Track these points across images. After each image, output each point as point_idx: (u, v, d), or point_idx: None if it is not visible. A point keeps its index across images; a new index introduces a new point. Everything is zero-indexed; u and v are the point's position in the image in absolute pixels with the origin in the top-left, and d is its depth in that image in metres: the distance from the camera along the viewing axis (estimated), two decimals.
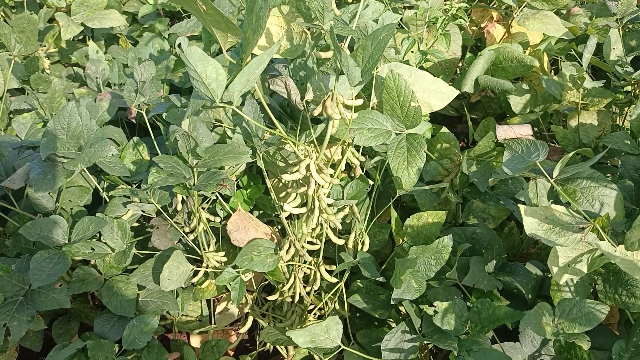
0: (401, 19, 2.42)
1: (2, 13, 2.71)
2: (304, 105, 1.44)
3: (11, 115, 2.18)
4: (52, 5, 2.70)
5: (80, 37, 2.98)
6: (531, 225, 1.29)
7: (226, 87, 1.17)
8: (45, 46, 2.67)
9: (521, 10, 2.29)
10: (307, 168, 1.33)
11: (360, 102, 1.39)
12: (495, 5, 2.62)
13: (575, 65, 2.05)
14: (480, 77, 2.09)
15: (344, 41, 1.40)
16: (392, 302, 1.45)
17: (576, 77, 1.86)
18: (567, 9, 2.65)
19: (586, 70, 1.94)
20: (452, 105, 2.64)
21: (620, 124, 2.14)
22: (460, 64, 2.54)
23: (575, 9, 2.67)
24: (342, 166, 1.53)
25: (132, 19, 2.90)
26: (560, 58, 2.50)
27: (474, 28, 2.65)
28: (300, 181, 1.46)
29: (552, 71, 2.52)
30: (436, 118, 2.62)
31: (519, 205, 1.31)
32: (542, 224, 1.29)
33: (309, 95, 1.44)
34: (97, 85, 2.04)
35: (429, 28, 2.30)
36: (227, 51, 1.20)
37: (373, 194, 1.67)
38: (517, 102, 2.13)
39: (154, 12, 2.60)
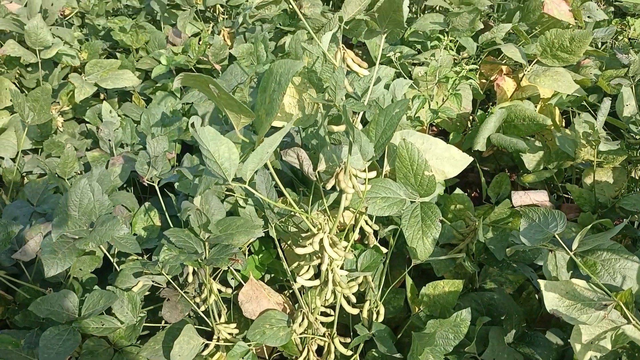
0: (411, 76, 2.43)
1: (17, 72, 2.74)
2: (316, 176, 1.43)
3: (24, 174, 2.19)
4: (67, 64, 2.74)
5: (94, 93, 3.02)
6: (552, 301, 1.26)
7: (239, 166, 1.17)
8: (59, 104, 2.69)
9: (531, 67, 2.29)
10: (321, 242, 1.31)
11: (373, 174, 1.37)
12: (505, 60, 2.63)
13: (589, 122, 2.03)
14: (493, 135, 2.07)
15: (357, 115, 1.39)
16: None
17: (591, 138, 1.85)
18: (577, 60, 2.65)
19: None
20: None
21: (638, 179, 2.11)
22: (471, 117, 2.54)
23: (585, 61, 2.67)
24: (356, 236, 1.51)
25: (146, 76, 2.93)
26: (572, 109, 2.49)
27: (484, 81, 2.66)
28: (313, 254, 1.44)
29: (564, 121, 2.51)
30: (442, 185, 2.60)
31: (539, 280, 1.27)
32: (563, 299, 1.26)
33: (322, 167, 1.43)
34: (110, 148, 2.05)
35: (438, 85, 2.31)
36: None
37: (387, 259, 1.64)
38: (530, 160, 2.11)
39: (167, 72, 2.62)
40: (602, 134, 1.82)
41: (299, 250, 1.33)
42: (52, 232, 1.30)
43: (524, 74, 2.32)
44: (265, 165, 1.55)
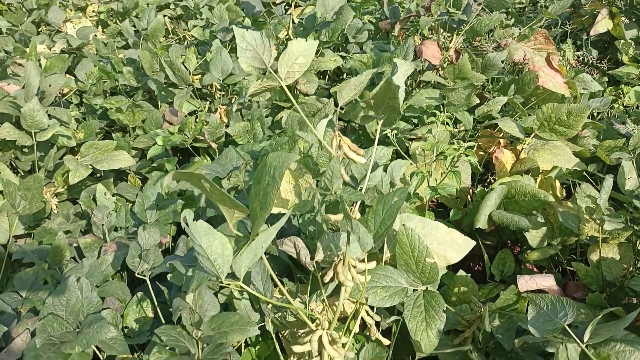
0: (408, 152, 2.41)
1: (12, 154, 2.73)
2: (314, 266, 1.38)
3: (14, 263, 2.14)
4: (63, 145, 2.73)
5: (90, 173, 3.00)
6: None
7: (232, 261, 1.12)
8: (54, 184, 2.67)
9: (530, 142, 2.28)
10: (319, 340, 1.24)
11: (373, 265, 1.32)
12: (501, 135, 2.62)
13: (591, 197, 2.00)
14: (494, 213, 2.03)
15: (355, 204, 1.36)
16: None
17: (595, 216, 1.81)
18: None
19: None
20: (464, 230, 2.58)
21: None
22: (470, 191, 2.51)
23: (582, 132, 2.66)
24: (357, 328, 1.45)
25: (142, 154, 2.92)
26: (572, 180, 2.46)
27: (482, 153, 2.64)
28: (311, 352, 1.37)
29: (565, 191, 2.48)
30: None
31: None
32: None
33: (319, 256, 1.38)
34: (103, 233, 2.00)
35: (437, 160, 2.29)
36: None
37: (390, 351, 1.57)
38: (534, 237, 2.07)
39: (164, 151, 2.61)
40: (606, 213, 1.78)
41: (297, 348, 1.27)
42: (37, 337, 1.24)
43: (523, 148, 2.31)
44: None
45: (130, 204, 2.36)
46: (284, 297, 1.42)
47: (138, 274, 1.47)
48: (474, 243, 1.51)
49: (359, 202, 1.36)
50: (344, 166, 1.37)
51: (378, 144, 1.68)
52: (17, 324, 1.57)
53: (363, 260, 1.32)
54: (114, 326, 1.36)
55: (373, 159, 1.37)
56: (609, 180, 1.75)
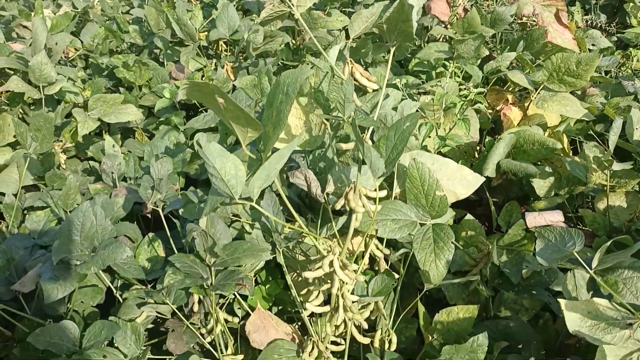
0: None
1: (20, 110, 2.74)
2: (324, 198, 1.39)
3: (25, 212, 2.15)
4: (70, 101, 2.73)
5: (97, 130, 3.01)
6: (574, 322, 1.20)
7: (246, 183, 1.13)
8: (62, 141, 2.68)
9: (538, 93, 2.27)
10: (331, 265, 1.26)
11: (384, 193, 1.33)
12: (510, 89, 2.61)
13: (598, 146, 2.00)
14: (502, 161, 2.04)
15: (366, 132, 1.36)
16: None
17: (603, 159, 1.81)
18: (582, 90, 2.64)
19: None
20: None
21: None
22: (478, 148, 2.51)
23: (591, 90, 2.66)
24: (366, 260, 1.46)
25: (149, 112, 2.92)
26: (579, 139, 2.47)
27: (490, 111, 2.64)
28: (323, 278, 1.39)
29: (572, 151, 2.48)
30: (455, 202, 2.56)
31: (559, 299, 1.22)
32: (585, 319, 1.20)
33: (330, 188, 1.39)
34: (113, 180, 2.01)
35: (445, 113, 2.29)
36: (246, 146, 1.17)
37: (398, 287, 1.58)
38: (541, 186, 2.07)
39: (170, 106, 2.61)
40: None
41: (308, 274, 1.28)
42: (53, 256, 1.26)
43: (531, 101, 2.31)
44: (272, 189, 1.51)
45: (140, 160, 2.37)
46: (295, 230, 1.44)
47: (151, 204, 1.48)
48: (483, 179, 1.52)
49: (369, 132, 1.37)
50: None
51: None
52: (30, 260, 1.59)
53: (374, 191, 1.33)
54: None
55: (384, 92, 1.37)
56: (618, 122, 1.76)
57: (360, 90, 1.38)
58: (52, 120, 1.83)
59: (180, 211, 1.51)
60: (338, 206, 1.30)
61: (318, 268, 1.27)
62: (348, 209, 1.29)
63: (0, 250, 1.35)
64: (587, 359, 1.52)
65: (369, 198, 1.33)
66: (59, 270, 1.26)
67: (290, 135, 1.49)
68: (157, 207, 1.51)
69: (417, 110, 1.99)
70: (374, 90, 1.36)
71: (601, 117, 2.55)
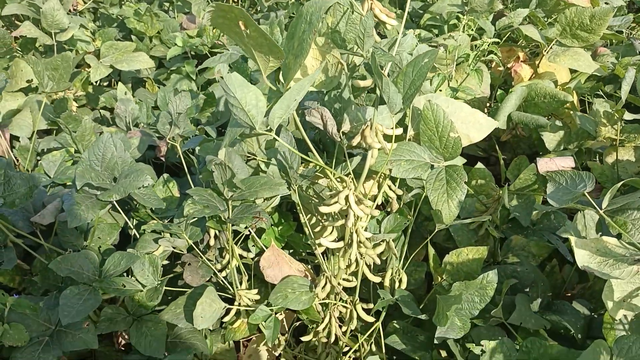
0: None
1: (32, 56, 2.74)
2: (340, 137, 1.41)
3: (38, 158, 2.18)
4: (81, 50, 2.74)
5: (107, 83, 3.02)
6: (583, 258, 1.23)
7: (266, 114, 1.15)
8: (73, 90, 2.69)
9: (550, 48, 2.27)
10: (346, 199, 1.29)
11: (400, 131, 1.35)
12: (522, 45, 2.61)
13: (608, 101, 2.01)
14: (513, 113, 2.05)
15: (384, 69, 1.37)
16: (435, 342, 1.37)
17: (613, 110, 1.82)
18: (593, 49, 2.64)
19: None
20: (479, 145, 2.60)
21: None
22: (488, 104, 2.52)
23: (601, 49, 2.65)
24: (379, 200, 1.49)
25: (159, 64, 2.93)
26: (588, 99, 2.47)
27: (500, 68, 2.64)
28: (337, 214, 1.42)
29: (580, 110, 2.49)
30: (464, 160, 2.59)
31: (569, 237, 1.25)
32: (594, 256, 1.23)
33: (346, 127, 1.41)
34: (127, 124, 2.03)
35: (457, 67, 2.29)
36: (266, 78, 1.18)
37: (407, 233, 1.61)
38: (550, 139, 2.09)
39: (182, 55, 2.61)
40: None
41: (324, 209, 1.31)
42: (76, 181, 1.28)
43: (542, 57, 2.31)
44: (287, 128, 1.53)
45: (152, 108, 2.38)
46: (310, 168, 1.46)
47: (169, 139, 1.50)
48: (496, 123, 1.54)
49: (387, 70, 1.38)
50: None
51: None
52: (48, 196, 1.62)
53: (390, 130, 1.34)
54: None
55: (402, 30, 1.38)
56: (630, 72, 1.76)
57: (378, 28, 1.39)
58: (70, 59, 1.85)
59: (197, 149, 1.53)
60: (354, 142, 1.31)
61: (334, 202, 1.30)
62: (364, 144, 1.31)
63: (23, 177, 1.37)
64: (593, 302, 1.56)
65: (385, 136, 1.35)
66: (81, 197, 1.29)
67: (306, 75, 1.50)
68: (175, 141, 1.53)
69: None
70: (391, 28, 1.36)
71: (611, 78, 2.56)
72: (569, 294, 1.72)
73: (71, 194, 1.30)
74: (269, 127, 1.15)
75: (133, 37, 2.92)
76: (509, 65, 2.57)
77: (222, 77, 1.11)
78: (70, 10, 3.42)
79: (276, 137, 1.17)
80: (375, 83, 1.24)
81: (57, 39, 2.51)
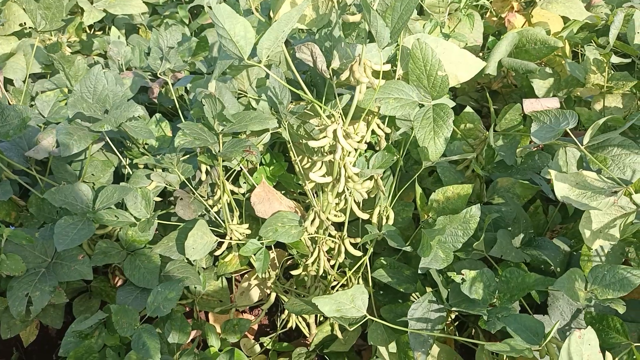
0: (422, 6, 2.41)
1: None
2: (329, 74, 1.43)
3: (33, 101, 2.19)
4: None
5: (100, 30, 3.00)
6: (562, 190, 1.27)
7: (255, 45, 1.17)
8: (66, 35, 2.68)
9: None
10: (335, 133, 1.32)
11: (388, 67, 1.37)
12: None
13: (599, 49, 2.03)
14: (504, 59, 2.07)
15: (373, 4, 1.39)
16: (419, 272, 1.42)
17: (602, 54, 1.84)
18: (587, 1, 2.64)
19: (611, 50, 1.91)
20: (472, 96, 2.63)
21: None
22: (481, 53, 2.53)
23: (596, 0, 2.65)
24: (367, 138, 1.52)
25: (153, 10, 2.91)
26: (580, 50, 2.48)
27: (494, 19, 2.65)
28: (326, 150, 1.45)
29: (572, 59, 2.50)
30: (454, 109, 2.61)
31: (549, 170, 1.29)
32: (573, 189, 1.27)
33: (336, 63, 1.43)
34: (120, 66, 2.04)
35: (450, 15, 2.30)
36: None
37: (396, 173, 1.65)
38: (540, 86, 2.11)
39: (175, 1, 2.61)
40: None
41: (313, 143, 1.34)
42: (68, 111, 1.31)
43: (536, 3, 2.31)
44: (278, 66, 1.55)
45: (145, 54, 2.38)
46: (300, 105, 1.49)
47: (161, 74, 1.52)
48: (484, 64, 1.56)
49: (376, 4, 1.39)
50: None
51: None
52: (42, 131, 1.64)
53: (378, 66, 1.36)
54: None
55: None
56: (619, 15, 1.78)
57: None
58: None
59: (189, 86, 1.55)
60: (343, 77, 1.34)
61: (323, 137, 1.33)
62: (352, 80, 1.33)
63: (17, 109, 1.40)
64: (573, 239, 1.61)
65: (373, 72, 1.37)
66: (73, 127, 1.32)
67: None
68: (166, 76, 1.55)
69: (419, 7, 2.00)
70: None
71: (604, 29, 2.56)
72: (552, 233, 1.78)
73: (64, 125, 1.33)
74: (258, 59, 1.18)
75: None
76: (502, 15, 2.58)
77: (210, 8, 1.13)
78: None
79: (264, 68, 1.19)
80: (364, 18, 1.26)
81: None
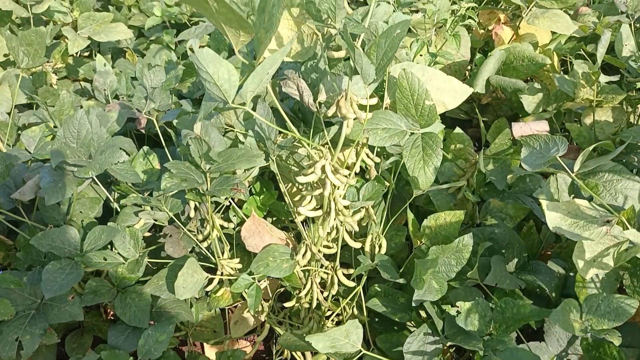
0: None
1: (8, 30, 2.70)
2: (316, 107, 1.42)
3: (19, 132, 2.17)
4: (59, 21, 2.70)
5: (87, 53, 2.98)
6: (554, 220, 1.26)
7: (239, 88, 1.15)
8: (52, 62, 2.66)
9: (530, 10, 2.27)
10: (323, 169, 1.30)
11: (374, 101, 1.36)
12: (502, 7, 2.60)
13: (587, 62, 2.02)
14: (492, 77, 2.06)
15: (357, 40, 1.38)
16: (413, 304, 1.41)
17: (590, 72, 1.83)
18: (574, 9, 2.63)
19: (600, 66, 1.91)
20: (462, 108, 2.62)
21: (635, 121, 2.11)
22: (469, 67, 2.52)
23: (583, 9, 2.65)
24: (357, 168, 1.51)
25: (139, 33, 2.90)
26: (570, 59, 2.48)
27: (482, 31, 2.64)
28: (316, 183, 1.44)
29: (562, 72, 2.50)
30: (445, 122, 2.59)
31: (540, 200, 1.28)
32: (565, 218, 1.26)
33: (322, 97, 1.41)
34: (106, 97, 2.03)
35: (437, 31, 2.29)
36: (238, 52, 1.18)
37: (388, 198, 1.64)
38: (529, 102, 2.11)
39: (161, 25, 2.59)
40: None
41: (301, 179, 1.33)
42: (51, 159, 1.29)
43: (522, 17, 2.31)
44: (265, 99, 1.54)
45: (132, 79, 2.37)
46: (288, 138, 1.47)
47: (145, 114, 1.51)
48: (471, 90, 1.54)
49: (360, 40, 1.38)
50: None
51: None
52: (28, 171, 1.62)
53: (365, 99, 1.35)
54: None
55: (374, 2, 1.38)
56: (606, 34, 1.77)
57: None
58: (44, 35, 1.83)
59: (175, 122, 1.53)
60: (330, 113, 1.32)
61: (311, 172, 1.32)
62: (339, 116, 1.32)
63: (0, 156, 1.38)
64: (567, 261, 1.60)
65: (360, 106, 1.36)
66: (57, 175, 1.30)
67: (282, 46, 1.50)
68: (152, 116, 1.53)
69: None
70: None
71: (592, 37, 2.56)
72: (547, 253, 1.77)
73: (48, 170, 1.31)
74: (242, 102, 1.16)
75: (111, 6, 2.88)
76: (489, 28, 2.57)
77: (193, 52, 1.11)
78: None
79: (250, 111, 1.17)
80: (349, 54, 1.25)
81: (33, 11, 2.48)
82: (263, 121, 1.20)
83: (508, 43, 2.48)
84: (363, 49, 1.52)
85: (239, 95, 1.16)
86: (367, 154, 1.54)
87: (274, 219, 1.81)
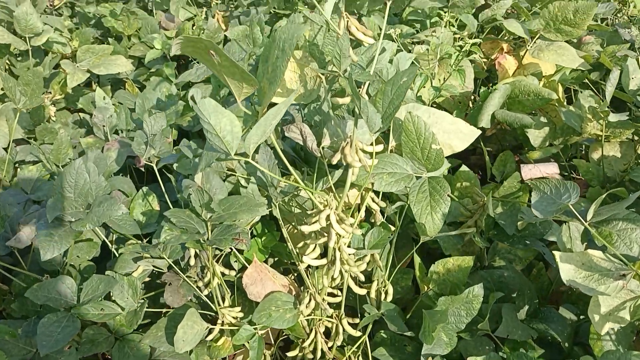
0: None
1: (7, 62, 2.68)
2: (320, 152, 1.38)
3: (17, 166, 2.13)
4: (58, 52, 2.68)
5: (86, 82, 2.96)
6: (568, 273, 1.21)
7: (241, 139, 1.12)
8: (50, 93, 2.63)
9: (534, 42, 2.24)
10: (327, 219, 1.26)
11: (380, 147, 1.32)
12: (505, 38, 2.58)
13: (594, 96, 1.99)
14: (497, 112, 2.02)
15: (362, 86, 1.34)
16: (422, 359, 1.36)
17: (599, 110, 1.80)
18: (578, 38, 2.61)
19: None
20: None
21: None
22: (472, 97, 2.49)
23: (586, 38, 2.63)
24: (362, 213, 1.46)
25: (139, 63, 2.87)
26: (574, 88, 2.45)
27: (484, 60, 2.61)
28: (319, 231, 1.39)
29: (566, 100, 2.47)
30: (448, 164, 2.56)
31: (554, 252, 1.23)
32: (579, 270, 1.22)
33: (326, 142, 1.38)
34: (105, 134, 1.99)
35: (440, 63, 2.26)
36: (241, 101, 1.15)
37: (393, 241, 1.59)
38: (536, 136, 2.07)
39: (161, 56, 2.56)
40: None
41: (305, 228, 1.29)
42: (47, 214, 1.25)
43: (527, 50, 2.28)
44: (267, 142, 1.50)
45: (131, 111, 2.33)
46: (291, 184, 1.43)
47: (145, 160, 1.47)
48: (479, 132, 1.51)
49: (366, 86, 1.35)
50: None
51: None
52: (24, 216, 1.58)
53: (370, 145, 1.32)
54: None
55: (380, 46, 1.34)
56: (615, 73, 1.74)
57: (355, 41, 1.35)
58: (41, 74, 1.80)
59: (175, 166, 1.50)
60: (334, 161, 1.29)
61: (315, 222, 1.27)
62: (344, 163, 1.28)
63: None
64: (579, 307, 1.56)
65: (365, 152, 1.32)
66: (54, 227, 1.26)
67: (285, 88, 1.47)
68: (151, 162, 1.50)
69: (413, 63, 1.96)
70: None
71: (597, 65, 2.53)
72: (558, 293, 1.72)
73: (44, 223, 1.27)
74: (244, 152, 1.12)
75: (111, 38, 2.86)
76: (493, 57, 2.54)
77: (194, 102, 1.07)
78: (47, 6, 3.35)
79: (252, 162, 1.13)
80: (354, 102, 1.21)
81: (31, 43, 2.45)
82: (266, 171, 1.16)
83: (512, 73, 2.46)
84: (368, 91, 1.49)
85: (241, 146, 1.12)
86: (372, 198, 1.49)
87: (276, 259, 1.76)
